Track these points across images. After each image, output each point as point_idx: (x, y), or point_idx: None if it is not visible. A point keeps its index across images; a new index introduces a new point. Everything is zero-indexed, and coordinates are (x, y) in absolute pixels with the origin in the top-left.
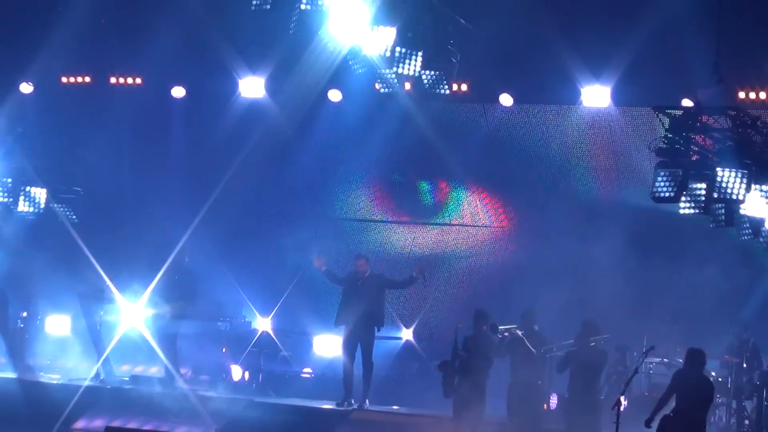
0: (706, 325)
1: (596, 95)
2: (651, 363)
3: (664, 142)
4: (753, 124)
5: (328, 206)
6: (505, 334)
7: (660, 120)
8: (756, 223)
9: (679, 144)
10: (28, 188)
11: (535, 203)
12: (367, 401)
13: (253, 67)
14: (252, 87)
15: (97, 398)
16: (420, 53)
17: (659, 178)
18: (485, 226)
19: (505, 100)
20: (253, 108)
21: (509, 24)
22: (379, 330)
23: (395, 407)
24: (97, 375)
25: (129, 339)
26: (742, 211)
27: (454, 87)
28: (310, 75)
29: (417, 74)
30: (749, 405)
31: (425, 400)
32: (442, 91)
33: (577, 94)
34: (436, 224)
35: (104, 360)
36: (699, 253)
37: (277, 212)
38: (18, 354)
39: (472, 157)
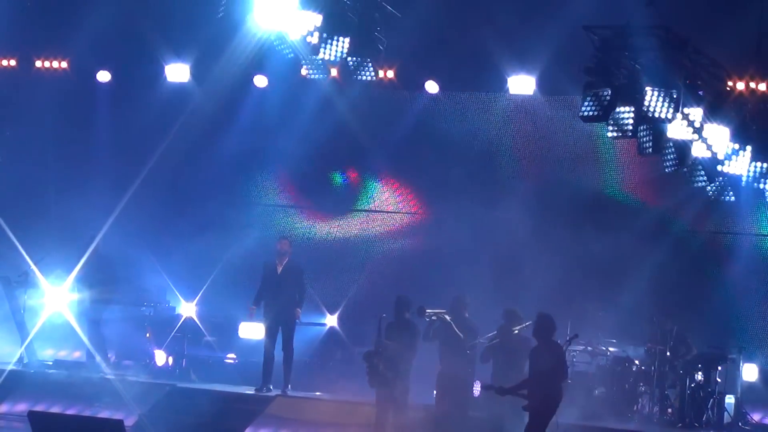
0: (630, 314)
1: (522, 84)
2: (575, 351)
3: (593, 61)
4: (682, 46)
5: (252, 192)
6: (433, 318)
7: (591, 40)
8: (682, 150)
9: (608, 64)
10: None
11: (455, 189)
12: (289, 387)
13: (179, 52)
14: (178, 72)
15: (21, 382)
16: (346, 39)
17: (587, 98)
18: (405, 213)
19: (431, 87)
20: (179, 93)
21: (437, 11)
22: (299, 309)
23: (318, 393)
24: (20, 359)
25: (53, 323)
26: (669, 135)
27: (381, 74)
28: (236, 60)
29: (343, 60)
30: (672, 394)
31: (349, 387)
32: (369, 77)
33: (503, 82)
34: (356, 211)
35: (28, 344)
36: (625, 243)
37: (201, 198)
38: None
39: (396, 143)
